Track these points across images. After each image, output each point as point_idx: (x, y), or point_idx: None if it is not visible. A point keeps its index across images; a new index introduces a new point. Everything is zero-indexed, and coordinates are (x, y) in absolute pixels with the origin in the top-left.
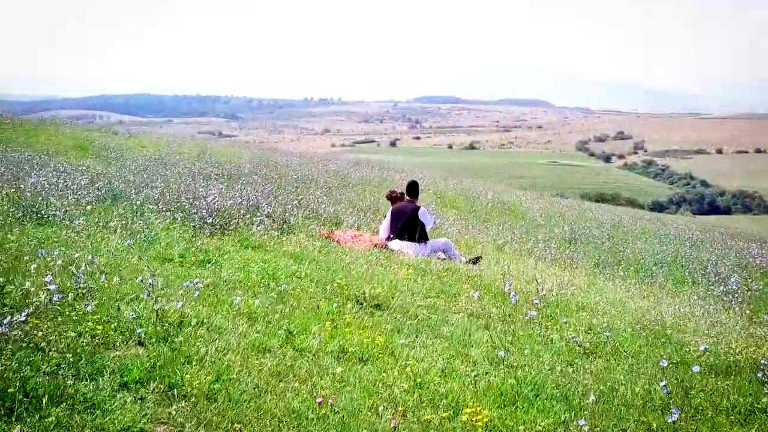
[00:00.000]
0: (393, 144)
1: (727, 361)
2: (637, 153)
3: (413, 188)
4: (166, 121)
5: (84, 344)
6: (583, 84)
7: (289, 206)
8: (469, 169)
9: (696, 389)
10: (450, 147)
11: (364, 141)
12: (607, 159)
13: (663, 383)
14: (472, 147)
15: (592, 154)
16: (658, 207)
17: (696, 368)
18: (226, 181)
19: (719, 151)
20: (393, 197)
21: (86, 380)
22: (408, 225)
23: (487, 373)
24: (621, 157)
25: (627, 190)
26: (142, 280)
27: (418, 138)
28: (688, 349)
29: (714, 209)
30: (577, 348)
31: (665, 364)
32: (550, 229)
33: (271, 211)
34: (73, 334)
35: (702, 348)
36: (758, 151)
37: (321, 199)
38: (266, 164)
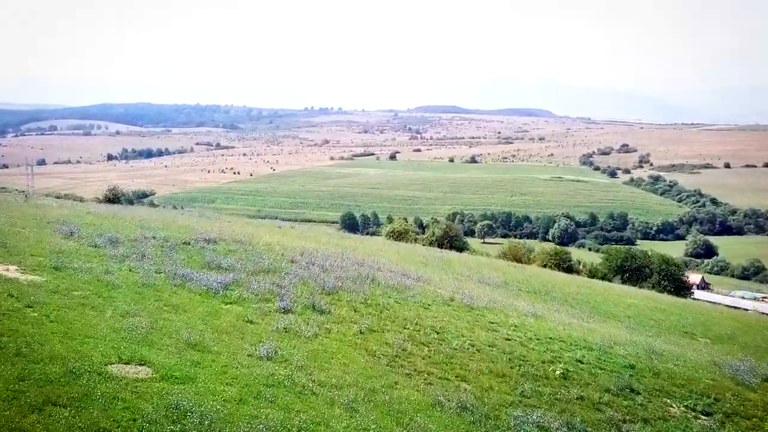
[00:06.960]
0: (393, 157)
1: None
2: (642, 167)
3: None
4: (164, 131)
5: None
6: (585, 92)
7: None
8: (470, 185)
9: None
10: (451, 160)
11: (363, 154)
12: (613, 174)
13: None
14: (473, 160)
15: (596, 168)
16: (668, 228)
17: None
18: None
19: (727, 166)
20: None
21: None
22: None
23: None
24: (627, 171)
25: (635, 209)
26: None
27: (418, 150)
28: None
29: (726, 229)
30: None
31: None
32: None
33: None
34: None
35: None
36: (767, 165)
37: None
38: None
